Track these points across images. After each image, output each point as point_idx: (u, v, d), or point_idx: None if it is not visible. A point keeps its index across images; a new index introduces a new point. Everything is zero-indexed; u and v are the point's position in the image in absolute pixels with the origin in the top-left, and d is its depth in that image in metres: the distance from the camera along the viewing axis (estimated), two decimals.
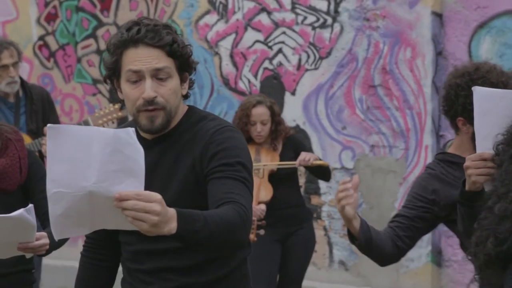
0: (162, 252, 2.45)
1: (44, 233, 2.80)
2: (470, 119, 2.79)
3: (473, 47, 5.95)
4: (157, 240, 2.32)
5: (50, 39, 7.44)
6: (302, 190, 5.48)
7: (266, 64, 6.59)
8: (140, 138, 2.53)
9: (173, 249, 2.43)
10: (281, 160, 5.11)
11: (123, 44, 2.43)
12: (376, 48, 6.17)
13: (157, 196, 2.05)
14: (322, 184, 6.28)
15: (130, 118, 2.61)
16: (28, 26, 7.49)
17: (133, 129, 2.09)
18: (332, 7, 6.31)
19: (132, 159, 2.07)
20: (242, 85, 6.68)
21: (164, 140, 2.51)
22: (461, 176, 2.61)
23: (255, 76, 6.63)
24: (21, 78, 5.24)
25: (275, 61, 6.55)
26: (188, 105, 2.60)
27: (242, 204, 2.29)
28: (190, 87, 2.58)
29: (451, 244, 5.96)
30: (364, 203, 6.27)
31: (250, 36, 6.62)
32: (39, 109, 5.18)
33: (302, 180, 5.63)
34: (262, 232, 4.87)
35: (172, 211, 2.10)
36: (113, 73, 2.49)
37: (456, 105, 2.94)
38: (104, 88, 7.18)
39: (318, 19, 6.38)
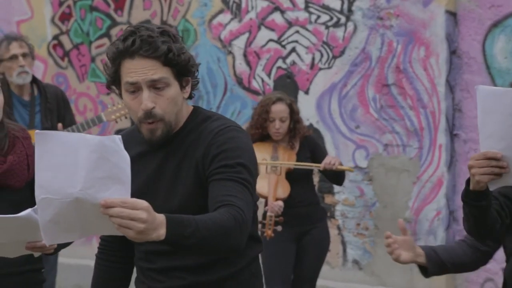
0: (173, 252, 2.44)
1: None
2: None
3: (487, 46, 5.93)
4: None
5: (64, 39, 7.47)
6: (315, 189, 5.48)
7: (280, 63, 6.59)
8: (144, 140, 2.55)
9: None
10: (297, 159, 5.12)
11: (119, 56, 2.43)
12: (390, 47, 6.15)
13: (143, 203, 2.05)
14: None
15: None
16: (43, 26, 7.52)
17: (119, 136, 2.09)
18: (345, 6, 6.31)
19: (118, 166, 2.08)
20: (255, 84, 6.68)
21: (170, 143, 2.51)
22: None
23: (269, 75, 6.63)
24: (35, 78, 5.27)
25: (288, 60, 6.55)
26: (193, 106, 2.59)
27: (238, 207, 2.28)
28: (194, 87, 2.56)
29: None
30: (378, 202, 6.27)
31: (264, 35, 6.62)
32: (53, 108, 5.21)
33: (315, 179, 5.63)
34: (279, 228, 4.88)
35: (160, 218, 2.10)
36: (113, 81, 2.50)
37: None
38: None
39: (331, 18, 6.37)
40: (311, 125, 6.38)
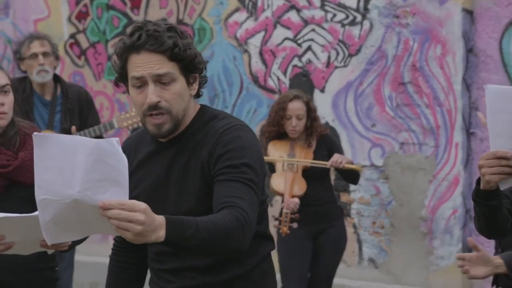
0: (183, 252, 2.45)
1: None
2: None
3: (504, 44, 5.90)
4: None
5: (81, 37, 7.50)
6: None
7: (295, 61, 6.58)
8: (155, 141, 2.55)
9: None
10: (314, 157, 5.12)
11: (126, 50, 2.43)
12: (406, 45, 6.14)
13: (141, 205, 2.06)
14: None
15: None
16: (59, 24, 7.55)
17: (117, 139, 2.10)
18: (361, 4, 6.30)
19: (115, 169, 2.09)
20: (271, 83, 6.68)
21: (176, 142, 2.51)
22: None
23: (284, 73, 6.63)
24: (58, 77, 5.27)
25: (304, 59, 6.55)
26: (200, 104, 2.58)
27: (241, 209, 2.27)
28: (202, 85, 2.56)
29: (482, 242, 5.91)
30: (394, 201, 6.25)
31: (279, 33, 6.62)
32: (74, 108, 5.19)
33: (331, 178, 5.63)
34: (295, 225, 4.87)
35: (160, 219, 2.11)
36: (121, 78, 2.51)
37: None
38: None
39: (347, 16, 6.37)
40: (326, 123, 6.37)
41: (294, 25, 6.57)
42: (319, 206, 5.13)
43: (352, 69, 6.36)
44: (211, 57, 6.84)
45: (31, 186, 3.08)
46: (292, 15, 6.56)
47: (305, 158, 5.10)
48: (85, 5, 7.45)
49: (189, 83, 2.48)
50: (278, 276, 5.12)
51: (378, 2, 6.21)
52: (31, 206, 2.60)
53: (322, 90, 6.49)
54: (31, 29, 7.56)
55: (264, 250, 2.59)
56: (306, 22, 6.52)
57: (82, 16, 7.47)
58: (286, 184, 4.97)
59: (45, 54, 5.11)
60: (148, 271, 2.71)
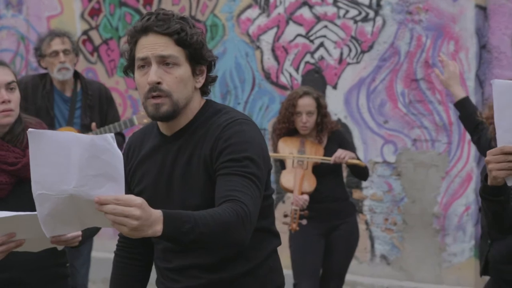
0: (188, 249, 2.46)
1: None
2: None
3: None
4: None
5: (93, 34, 7.51)
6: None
7: (308, 58, 6.58)
8: (160, 135, 2.55)
9: None
10: (325, 153, 5.11)
11: (136, 34, 2.45)
12: (419, 42, 6.13)
13: (137, 200, 2.06)
14: None
15: None
16: (72, 21, 7.57)
17: (112, 135, 2.11)
18: (374, 0, 6.29)
19: (110, 164, 2.10)
20: (283, 79, 6.68)
21: (180, 136, 2.51)
22: None
23: (297, 70, 6.63)
24: (78, 73, 5.28)
25: (316, 55, 6.54)
26: (206, 99, 2.58)
27: (242, 202, 2.27)
28: (210, 82, 2.55)
29: None
30: (406, 198, 6.24)
31: (292, 30, 6.62)
32: (94, 105, 5.21)
33: (343, 174, 5.62)
34: (304, 221, 4.87)
35: (157, 214, 2.11)
36: (130, 64, 2.51)
37: None
38: None
39: (360, 13, 6.36)
40: (339, 120, 6.37)
41: (307, 21, 6.56)
42: (330, 203, 5.12)
43: (365, 66, 6.35)
44: (223, 54, 6.85)
45: None
46: (305, 12, 6.55)
47: (315, 154, 5.09)
48: (98, 2, 7.47)
49: (194, 74, 2.48)
50: (289, 272, 5.14)
51: None
52: None
53: (335, 87, 6.48)
54: (44, 26, 7.59)
55: (270, 246, 2.58)
56: (318, 19, 6.51)
57: (94, 12, 7.49)
58: (295, 181, 4.96)
59: (65, 52, 5.12)
60: (155, 272, 2.71)
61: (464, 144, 6.01)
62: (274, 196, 7.00)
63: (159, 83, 2.41)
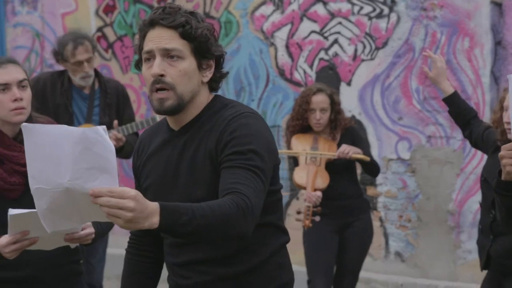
0: (193, 243, 2.47)
1: (89, 223, 2.83)
2: None
3: None
4: None
5: (108, 31, 7.53)
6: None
7: (322, 54, 6.57)
8: (169, 130, 2.55)
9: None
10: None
11: (144, 28, 2.47)
12: (434, 38, 6.10)
13: (130, 192, 2.07)
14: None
15: None
16: (87, 18, 7.59)
17: (103, 127, 2.12)
18: None
19: (102, 157, 2.11)
20: (297, 76, 6.67)
21: (187, 131, 2.51)
22: None
23: (311, 66, 6.62)
24: (97, 71, 5.26)
25: (331, 52, 6.53)
26: (215, 94, 2.58)
27: (244, 195, 2.26)
28: (219, 78, 2.55)
29: None
30: (421, 194, 6.23)
31: (306, 26, 6.61)
32: (113, 103, 5.19)
33: (358, 171, 5.61)
34: (317, 218, 4.86)
35: (153, 206, 2.11)
36: (140, 58, 2.52)
37: None
38: None
39: (374, 9, 6.34)
40: (353, 116, 6.36)
41: (321, 18, 6.55)
42: (344, 199, 5.12)
43: (379, 62, 6.34)
44: (237, 51, 6.85)
45: None
46: (319, 8, 6.54)
47: (328, 151, 5.08)
48: None
49: (200, 68, 2.48)
50: (303, 269, 5.14)
51: None
52: None
53: (349, 84, 6.47)
54: (59, 23, 7.62)
55: (277, 242, 2.57)
56: (332, 15, 6.50)
57: (109, 9, 7.51)
58: (308, 178, 4.96)
59: (89, 60, 5.07)
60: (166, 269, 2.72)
61: None
62: (287, 193, 7.01)
63: (162, 75, 2.42)
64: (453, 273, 6.08)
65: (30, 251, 2.73)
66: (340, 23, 6.48)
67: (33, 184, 2.22)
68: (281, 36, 6.71)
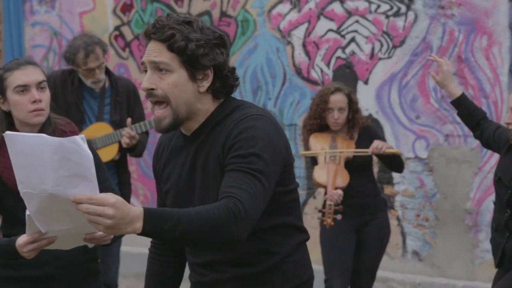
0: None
1: None
2: None
3: None
4: None
5: (125, 30, 7.55)
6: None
7: (339, 53, 6.56)
8: (182, 134, 2.56)
9: None
10: (356, 149, 5.10)
11: (144, 38, 2.50)
12: (451, 36, 6.08)
13: (110, 199, 2.08)
14: (395, 173, 6.23)
15: None
16: (104, 17, 7.62)
17: (82, 136, 2.15)
18: None
19: (81, 165, 2.15)
20: (314, 75, 6.67)
21: (199, 135, 2.50)
22: None
23: (328, 65, 6.61)
24: (108, 70, 5.25)
25: (348, 50, 6.52)
26: (224, 98, 2.53)
27: (237, 199, 2.24)
28: (230, 87, 2.51)
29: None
30: (438, 193, 6.21)
31: (323, 25, 6.60)
32: (123, 101, 5.19)
33: (375, 170, 5.60)
34: (339, 217, 4.86)
35: (137, 212, 2.12)
36: None
37: None
38: None
39: (391, 8, 6.32)
40: (370, 115, 6.34)
41: (338, 16, 6.54)
42: (362, 198, 5.11)
43: (396, 61, 6.32)
44: (254, 49, 6.85)
45: None
46: (336, 7, 6.53)
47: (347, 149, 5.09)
48: None
49: (194, 79, 2.45)
50: (320, 268, 5.13)
51: None
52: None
53: (366, 82, 6.46)
54: (76, 22, 7.64)
55: (295, 241, 2.57)
56: (350, 14, 6.49)
57: (126, 8, 7.53)
58: (329, 176, 4.95)
59: (100, 66, 5.05)
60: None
61: None
62: (304, 192, 7.00)
63: (152, 89, 2.44)
64: (471, 273, 6.05)
65: (47, 250, 2.74)
66: (357, 21, 6.46)
67: (21, 188, 2.29)
68: (298, 34, 6.70)
